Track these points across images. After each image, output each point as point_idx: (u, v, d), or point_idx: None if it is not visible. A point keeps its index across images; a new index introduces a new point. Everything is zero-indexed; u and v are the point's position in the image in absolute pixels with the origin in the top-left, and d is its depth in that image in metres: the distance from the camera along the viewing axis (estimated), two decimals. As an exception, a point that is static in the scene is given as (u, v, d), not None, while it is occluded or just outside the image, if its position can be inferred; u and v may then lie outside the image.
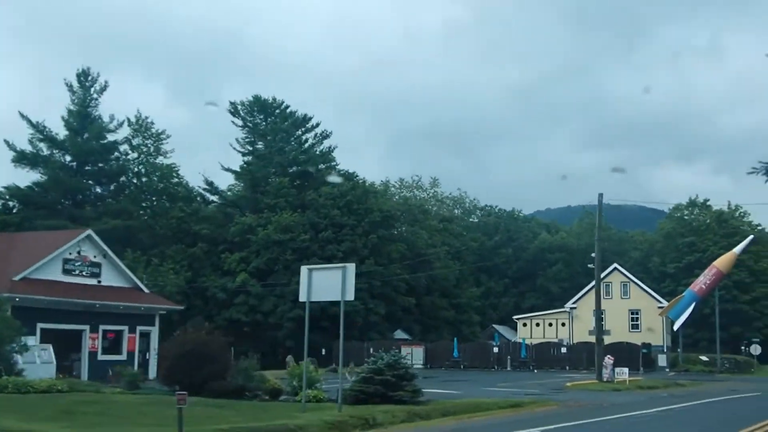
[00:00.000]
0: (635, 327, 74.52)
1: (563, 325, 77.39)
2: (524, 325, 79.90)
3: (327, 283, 22.32)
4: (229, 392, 26.67)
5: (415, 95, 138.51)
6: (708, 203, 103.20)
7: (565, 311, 77.65)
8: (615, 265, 78.10)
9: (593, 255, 76.35)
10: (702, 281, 65.25)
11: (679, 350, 66.71)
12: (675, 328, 67.35)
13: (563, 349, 66.53)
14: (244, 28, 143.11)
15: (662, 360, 64.03)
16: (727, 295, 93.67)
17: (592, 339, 68.50)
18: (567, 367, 64.12)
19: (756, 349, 70.23)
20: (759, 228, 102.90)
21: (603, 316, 75.75)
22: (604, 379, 44.72)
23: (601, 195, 49.94)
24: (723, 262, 64.88)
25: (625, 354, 64.39)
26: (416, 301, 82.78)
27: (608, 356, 46.15)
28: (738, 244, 67.17)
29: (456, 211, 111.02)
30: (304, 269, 23.14)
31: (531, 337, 74.78)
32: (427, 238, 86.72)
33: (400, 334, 77.43)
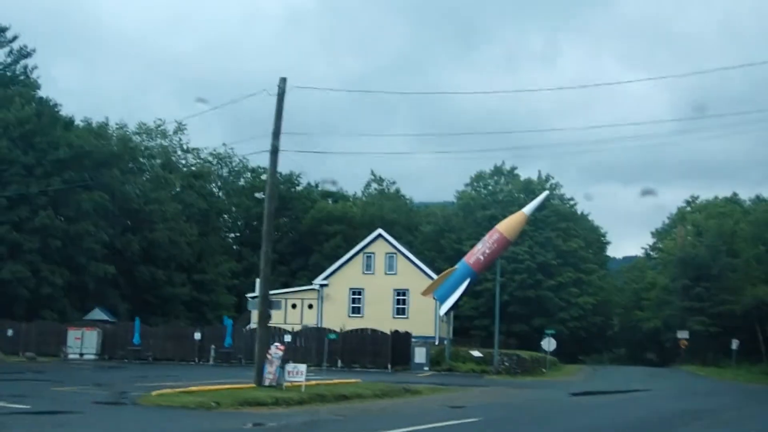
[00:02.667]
0: (401, 312, 57.64)
1: (310, 307, 59.60)
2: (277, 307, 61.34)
3: None
4: None
5: (249, 82, 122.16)
6: (516, 171, 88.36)
7: (313, 289, 59.82)
8: (379, 231, 60.97)
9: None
10: (480, 250, 48.82)
11: (446, 342, 50.06)
12: (442, 313, 50.87)
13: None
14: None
15: (420, 355, 47.15)
16: (529, 280, 79.11)
17: (347, 324, 51.31)
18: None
19: (549, 344, 54.65)
20: (572, 203, 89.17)
21: (361, 295, 59.17)
22: (266, 383, 26.75)
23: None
24: (508, 225, 48.69)
25: (369, 346, 47.16)
26: (125, 270, 63.26)
27: (276, 345, 28.19)
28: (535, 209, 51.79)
29: (223, 170, 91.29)
30: None
31: (285, 322, 56.37)
32: (149, 191, 66.97)
33: (99, 314, 57.24)
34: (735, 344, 66.63)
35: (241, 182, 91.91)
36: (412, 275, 57.36)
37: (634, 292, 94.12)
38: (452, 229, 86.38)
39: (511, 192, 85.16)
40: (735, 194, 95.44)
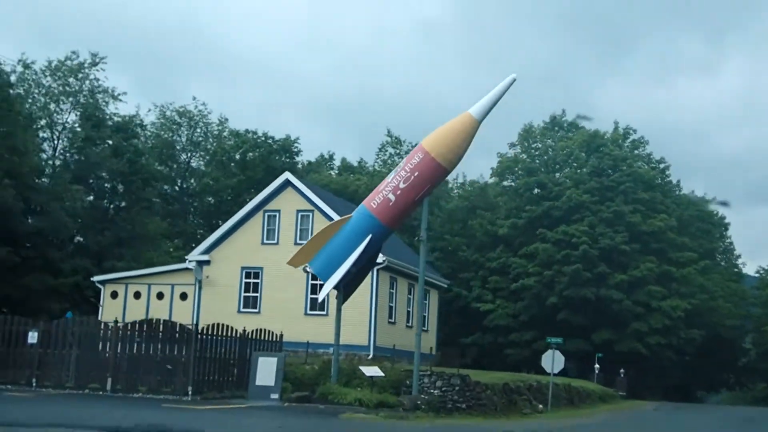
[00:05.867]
0: (318, 306, 35.43)
1: (184, 297, 38.24)
2: (113, 295, 40.05)
3: None
4: None
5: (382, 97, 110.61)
6: (582, 125, 64.09)
7: (188, 269, 38.33)
8: (287, 175, 38.62)
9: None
10: (390, 185, 26.06)
11: (332, 352, 27.53)
12: (322, 295, 28.52)
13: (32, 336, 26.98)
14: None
15: (266, 373, 25.36)
16: (587, 273, 55.11)
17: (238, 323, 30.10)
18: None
19: (553, 361, 31.41)
20: (664, 167, 64.23)
21: (259, 278, 37.56)
22: None
23: None
24: (439, 138, 25.36)
25: (161, 354, 25.86)
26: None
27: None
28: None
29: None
30: None
31: (123, 319, 34.90)
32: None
33: None
34: None
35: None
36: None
37: (764, 300, 67.79)
38: (488, 206, 63.26)
39: (570, 150, 61.22)
40: None
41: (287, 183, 37.60)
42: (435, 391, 25.55)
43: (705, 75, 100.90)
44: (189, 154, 69.80)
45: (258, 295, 36.94)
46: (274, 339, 28.90)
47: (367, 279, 34.06)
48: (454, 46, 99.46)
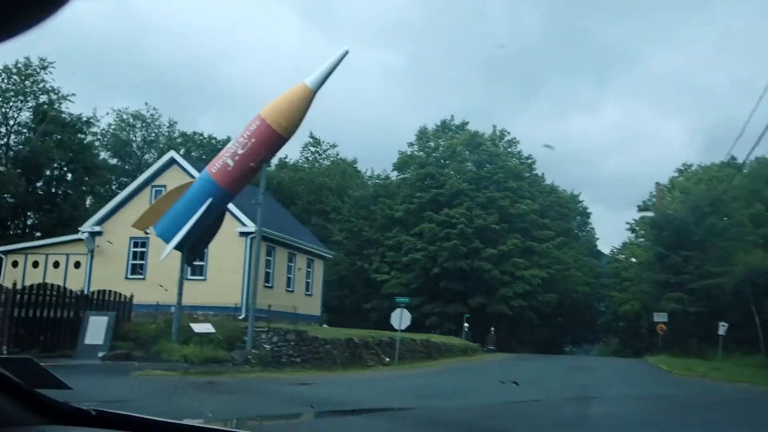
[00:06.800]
0: (197, 270, 32.30)
1: (77, 266, 34.65)
2: (14, 264, 36.46)
3: None
4: None
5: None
6: (467, 126, 61.51)
7: (80, 239, 34.76)
8: (172, 153, 35.53)
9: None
10: (229, 152, 23.32)
11: (174, 311, 24.38)
12: (164, 255, 25.13)
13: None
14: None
15: (95, 332, 21.96)
16: (462, 248, 52.67)
17: (124, 288, 26.76)
18: None
19: (401, 318, 28.75)
20: (531, 162, 61.93)
21: (146, 248, 34.20)
22: None
23: None
24: (276, 109, 22.83)
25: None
26: None
27: None
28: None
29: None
30: None
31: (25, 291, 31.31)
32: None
33: None
34: (723, 329, 40.17)
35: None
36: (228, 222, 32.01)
37: (615, 271, 66.08)
38: (389, 194, 60.59)
39: (455, 147, 58.71)
40: (733, 158, 66.16)
41: (172, 161, 34.54)
42: (269, 346, 22.51)
43: (591, 112, 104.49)
44: (142, 152, 65.94)
45: (144, 262, 33.57)
46: (123, 300, 25.15)
47: (244, 245, 31.11)
48: (405, 85, 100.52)
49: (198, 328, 22.15)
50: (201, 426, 2.40)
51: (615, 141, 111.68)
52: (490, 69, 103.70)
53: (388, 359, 27.80)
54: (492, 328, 50.05)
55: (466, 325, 46.43)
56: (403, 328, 29.23)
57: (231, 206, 30.65)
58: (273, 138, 22.63)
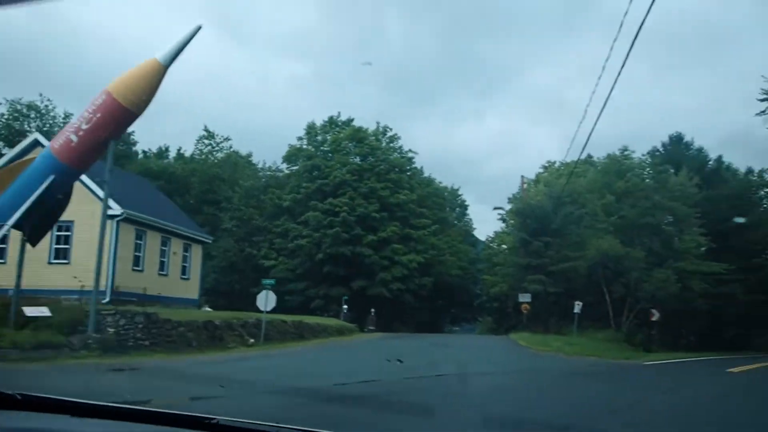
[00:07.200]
0: (62, 254, 28.26)
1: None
2: None
3: None
4: None
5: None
6: (353, 123, 58.90)
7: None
8: (36, 135, 31.25)
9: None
10: (73, 127, 19.63)
11: (11, 295, 20.68)
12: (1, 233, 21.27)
13: None
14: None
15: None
16: (344, 234, 50.09)
17: None
18: None
19: (266, 300, 25.79)
20: (411, 156, 60.06)
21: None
22: None
23: None
24: (124, 83, 19.38)
25: None
26: None
27: None
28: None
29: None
30: None
31: None
32: None
33: None
34: (578, 307, 39.38)
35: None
36: (81, 200, 27.83)
37: (488, 257, 65.25)
38: (279, 185, 57.24)
39: (340, 141, 55.99)
40: (590, 156, 66.76)
41: (36, 143, 29.84)
42: (114, 330, 18.97)
43: (476, 120, 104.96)
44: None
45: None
46: None
47: (112, 228, 27.18)
48: (309, 91, 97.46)
49: (31, 311, 18.53)
50: (121, 406, 2.36)
51: (496, 145, 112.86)
52: (389, 80, 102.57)
53: (252, 340, 24.90)
54: (372, 310, 47.83)
55: (344, 306, 43.96)
56: (268, 309, 26.38)
57: (97, 188, 26.88)
58: (120, 112, 19.30)
